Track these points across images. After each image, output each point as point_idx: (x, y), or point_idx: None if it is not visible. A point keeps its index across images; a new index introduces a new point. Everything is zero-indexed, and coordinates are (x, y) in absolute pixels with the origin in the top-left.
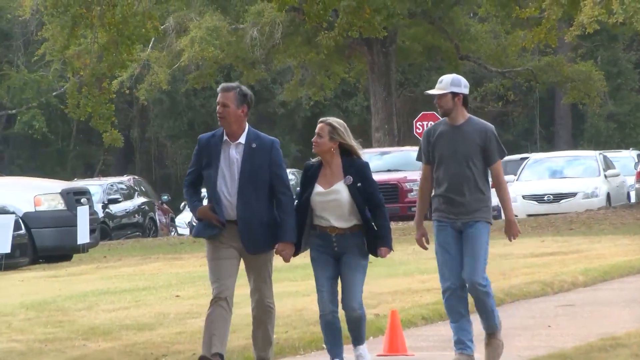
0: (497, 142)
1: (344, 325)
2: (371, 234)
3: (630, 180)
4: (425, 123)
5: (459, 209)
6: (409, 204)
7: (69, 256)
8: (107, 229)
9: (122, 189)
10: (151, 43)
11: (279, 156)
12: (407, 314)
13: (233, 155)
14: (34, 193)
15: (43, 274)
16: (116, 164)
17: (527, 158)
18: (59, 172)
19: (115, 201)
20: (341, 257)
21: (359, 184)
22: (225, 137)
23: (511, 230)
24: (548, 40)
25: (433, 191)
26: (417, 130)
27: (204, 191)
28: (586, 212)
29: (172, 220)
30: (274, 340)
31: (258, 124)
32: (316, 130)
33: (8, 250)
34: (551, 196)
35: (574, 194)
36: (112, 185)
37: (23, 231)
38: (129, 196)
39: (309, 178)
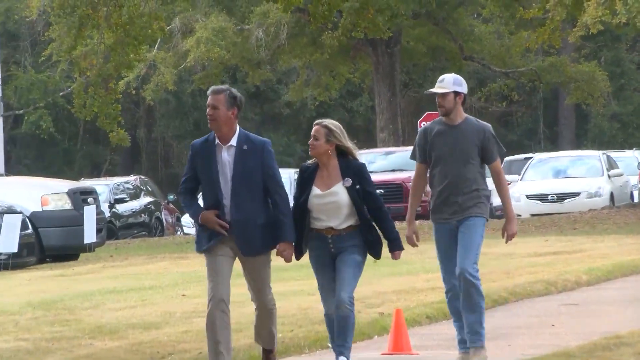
0: (496, 141)
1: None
2: (370, 235)
3: (634, 179)
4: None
5: (454, 207)
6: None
7: (75, 255)
8: (113, 229)
9: (128, 188)
10: (157, 44)
11: (271, 157)
12: (411, 313)
13: (225, 158)
14: (41, 193)
15: (50, 273)
16: (123, 164)
17: (531, 158)
18: (66, 172)
19: (121, 201)
20: (337, 257)
21: (357, 186)
22: (217, 141)
23: (510, 228)
24: (552, 41)
25: (430, 190)
26: None
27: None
28: (590, 211)
29: (178, 219)
30: (280, 339)
31: (263, 124)
32: (312, 133)
33: (15, 249)
34: (555, 196)
35: (577, 194)
36: (118, 185)
37: (30, 230)
38: (135, 196)
39: (306, 180)
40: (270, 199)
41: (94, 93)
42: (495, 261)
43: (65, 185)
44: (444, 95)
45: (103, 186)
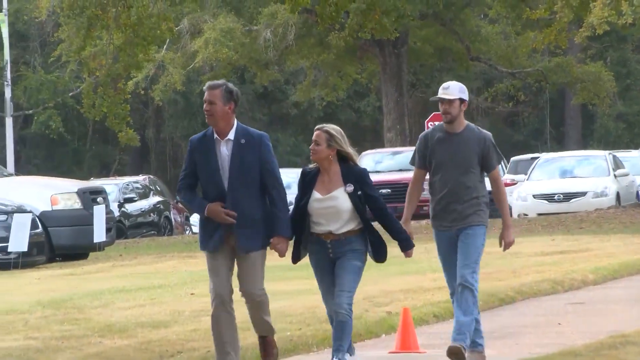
0: (495, 150)
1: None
2: (375, 239)
3: None
4: (436, 123)
5: (453, 215)
6: (420, 203)
7: (85, 254)
8: (122, 228)
9: (137, 188)
10: (166, 44)
11: (268, 151)
12: (419, 312)
13: (224, 152)
14: (51, 192)
15: (60, 272)
16: (132, 164)
17: (537, 158)
18: (75, 172)
19: (130, 200)
20: (336, 262)
21: (359, 192)
22: (215, 136)
23: (506, 235)
24: (558, 42)
25: (430, 197)
26: None
27: None
28: (596, 211)
29: (187, 219)
30: (288, 337)
31: (271, 124)
32: (313, 138)
33: (25, 248)
34: (561, 195)
35: (583, 193)
36: (127, 185)
37: (40, 230)
38: (144, 195)
39: (307, 184)
40: (267, 193)
41: (103, 93)
42: (502, 260)
43: (75, 184)
44: (450, 102)
45: (112, 186)
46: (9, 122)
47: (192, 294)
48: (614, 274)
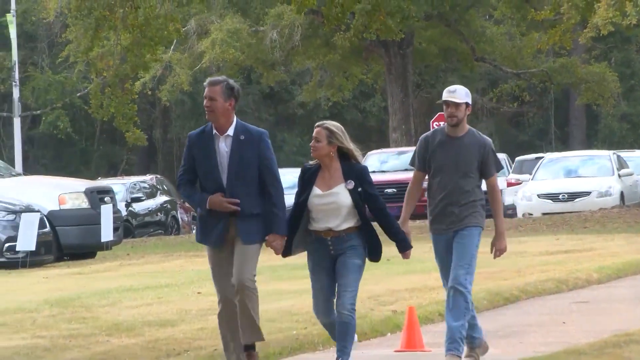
0: (494, 157)
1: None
2: (372, 238)
3: None
4: (441, 123)
5: (451, 218)
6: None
7: (93, 253)
8: (130, 227)
9: (144, 187)
10: (173, 45)
11: (267, 148)
12: (424, 311)
13: (222, 148)
14: (59, 192)
15: (67, 271)
16: (139, 164)
17: (542, 158)
18: (83, 172)
19: (138, 200)
20: (337, 259)
21: (359, 189)
22: (214, 131)
23: (498, 243)
24: (563, 42)
25: (428, 200)
26: None
27: None
28: (600, 210)
29: (194, 218)
30: (294, 336)
31: (277, 124)
32: (314, 135)
33: (33, 247)
34: (566, 195)
35: (588, 193)
36: (135, 184)
37: (48, 229)
38: (151, 195)
39: (307, 180)
40: (265, 191)
41: (111, 93)
42: (507, 260)
43: (83, 184)
44: (457, 105)
45: (120, 185)
46: (17, 122)
47: (199, 292)
48: (618, 273)
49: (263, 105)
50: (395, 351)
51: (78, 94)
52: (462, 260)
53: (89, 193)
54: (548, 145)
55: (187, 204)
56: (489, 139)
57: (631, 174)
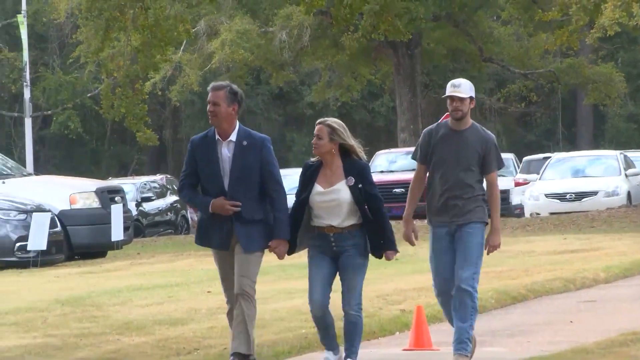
0: (497, 153)
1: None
2: (373, 235)
3: None
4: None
5: (454, 211)
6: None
7: (103, 253)
8: (140, 227)
9: (154, 187)
10: (183, 46)
11: (270, 154)
12: (432, 310)
13: (225, 153)
14: (70, 191)
15: (78, 270)
16: (149, 164)
17: (549, 157)
18: (94, 171)
19: (148, 199)
20: (340, 256)
21: (360, 185)
22: (217, 136)
23: (492, 239)
24: (570, 43)
25: (428, 192)
26: None
27: None
28: (607, 210)
29: None
30: (303, 334)
31: (286, 124)
32: (315, 132)
33: (44, 247)
34: (573, 195)
35: (595, 193)
36: (145, 184)
37: (59, 228)
38: (161, 194)
39: (308, 177)
40: (267, 195)
41: (122, 94)
42: (515, 259)
43: (93, 184)
44: (462, 99)
45: (130, 185)
46: (28, 122)
47: (208, 291)
48: (625, 273)
49: (272, 106)
50: (404, 350)
51: (89, 95)
52: (468, 260)
53: (99, 193)
54: (555, 145)
55: None
56: (493, 135)
57: (638, 174)
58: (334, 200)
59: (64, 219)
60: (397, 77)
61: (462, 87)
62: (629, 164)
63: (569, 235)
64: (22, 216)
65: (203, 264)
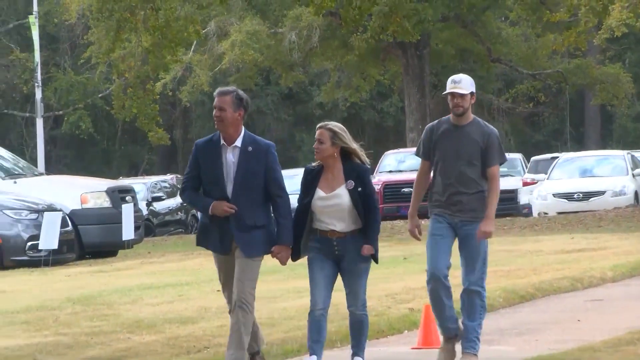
0: (499, 147)
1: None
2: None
3: None
4: None
5: (458, 206)
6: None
7: (114, 252)
8: (151, 226)
9: (165, 187)
10: (193, 46)
11: (274, 160)
12: None
13: (230, 158)
14: (81, 191)
15: (89, 269)
16: (160, 163)
17: (557, 157)
18: (105, 171)
19: (158, 199)
20: (342, 260)
21: (359, 189)
22: (222, 141)
23: (485, 226)
24: (578, 44)
25: (432, 188)
26: None
27: None
28: (614, 209)
29: None
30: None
31: (296, 125)
32: (316, 136)
33: (55, 246)
34: (581, 194)
35: (602, 192)
36: (155, 184)
37: (70, 228)
38: (172, 194)
39: (310, 182)
40: (270, 201)
41: (133, 94)
42: (523, 258)
43: (104, 183)
44: (463, 95)
45: (141, 185)
46: (39, 122)
47: (218, 290)
48: (632, 272)
49: (282, 106)
50: (412, 348)
51: (100, 95)
52: (474, 262)
53: (110, 192)
54: (563, 145)
55: None
56: (495, 130)
57: None
58: (336, 205)
59: (75, 219)
60: (406, 78)
61: (462, 83)
62: (636, 163)
63: (577, 234)
64: (34, 215)
65: (213, 263)
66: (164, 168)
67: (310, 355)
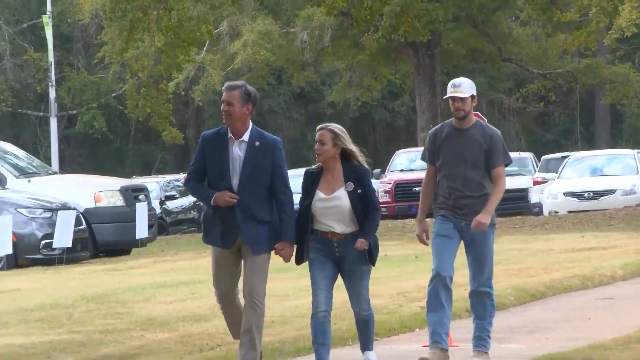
0: (503, 148)
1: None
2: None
3: None
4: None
5: (464, 210)
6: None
7: (127, 250)
8: (164, 225)
9: (178, 186)
10: (206, 46)
11: (281, 156)
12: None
13: (236, 152)
14: (95, 190)
15: (103, 267)
16: (173, 163)
17: (567, 156)
18: (118, 170)
19: (171, 198)
20: (342, 262)
21: (359, 191)
22: (229, 135)
23: (481, 217)
24: (588, 43)
25: (437, 191)
26: None
27: None
28: (624, 208)
29: None
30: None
31: (308, 124)
32: (317, 138)
33: (69, 244)
34: (591, 193)
35: (612, 191)
36: (168, 183)
37: (84, 226)
38: (184, 193)
39: (310, 184)
40: (274, 197)
41: (146, 94)
42: (533, 257)
43: (118, 182)
44: (463, 99)
45: (154, 184)
46: (53, 121)
47: None
48: None
49: (294, 105)
50: (423, 346)
51: (113, 94)
52: (482, 264)
53: (124, 191)
54: (573, 144)
55: None
56: (498, 131)
57: None
58: (336, 207)
59: (89, 217)
60: (417, 77)
61: (462, 87)
62: None
63: (587, 233)
64: (48, 214)
65: None
66: (177, 167)
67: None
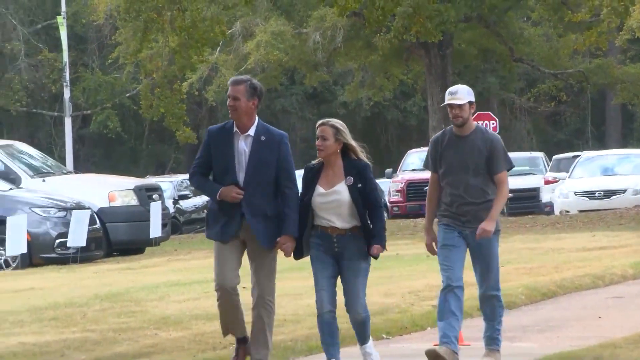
0: (504, 153)
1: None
2: (367, 234)
3: None
4: (480, 123)
5: (467, 217)
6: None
7: (141, 249)
8: (177, 224)
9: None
10: (219, 47)
11: (287, 151)
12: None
13: (242, 147)
14: (109, 189)
15: (117, 266)
16: (186, 162)
17: (579, 156)
18: (132, 170)
19: (185, 197)
20: (341, 258)
21: (359, 185)
22: (235, 129)
23: (486, 225)
24: (599, 44)
25: (441, 198)
26: None
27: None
28: (635, 207)
29: None
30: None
31: None
32: (319, 133)
33: (84, 243)
34: (602, 192)
35: (623, 191)
36: (182, 182)
37: (98, 225)
38: (197, 192)
39: (310, 180)
40: (279, 192)
41: (160, 94)
42: (545, 256)
43: (132, 182)
44: (461, 106)
45: (167, 183)
46: (68, 121)
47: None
48: None
49: (306, 105)
50: (435, 345)
51: (127, 95)
52: (489, 269)
53: (137, 191)
54: (585, 144)
55: None
56: (498, 136)
57: None
58: (336, 201)
59: (103, 216)
60: (429, 77)
61: (459, 94)
62: None
63: (598, 232)
64: (62, 213)
65: None
66: (191, 167)
67: (330, 359)
